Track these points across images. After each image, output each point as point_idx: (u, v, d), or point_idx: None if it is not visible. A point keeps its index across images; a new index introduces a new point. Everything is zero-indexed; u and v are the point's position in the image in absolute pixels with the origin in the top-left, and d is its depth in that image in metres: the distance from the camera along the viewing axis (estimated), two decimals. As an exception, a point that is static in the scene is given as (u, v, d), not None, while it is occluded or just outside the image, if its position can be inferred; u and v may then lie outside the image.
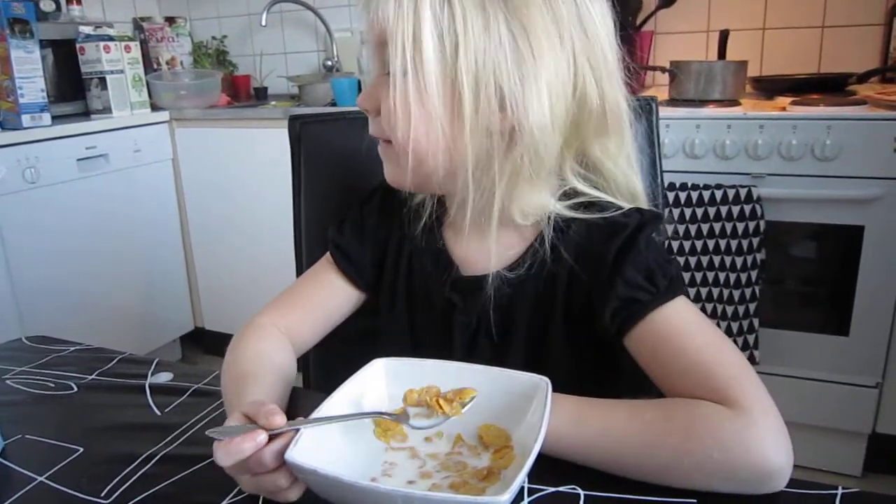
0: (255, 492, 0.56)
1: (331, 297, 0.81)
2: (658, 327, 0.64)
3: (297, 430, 0.54)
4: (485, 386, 0.60)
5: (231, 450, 0.52)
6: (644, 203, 0.74)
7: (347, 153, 1.00)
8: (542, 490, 0.55)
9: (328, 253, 0.82)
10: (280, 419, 0.54)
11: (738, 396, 0.56)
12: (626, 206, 0.70)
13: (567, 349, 0.73)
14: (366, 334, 0.82)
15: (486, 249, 0.72)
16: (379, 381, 0.63)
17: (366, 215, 0.82)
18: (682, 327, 0.63)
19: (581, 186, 0.71)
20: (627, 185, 0.73)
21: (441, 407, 0.57)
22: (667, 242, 1.66)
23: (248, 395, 0.63)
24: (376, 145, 0.73)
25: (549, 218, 0.69)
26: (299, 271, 1.03)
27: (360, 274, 0.81)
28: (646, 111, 0.97)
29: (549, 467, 0.56)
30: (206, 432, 0.54)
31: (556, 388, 0.60)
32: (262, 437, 0.52)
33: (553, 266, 0.70)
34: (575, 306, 0.71)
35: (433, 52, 0.62)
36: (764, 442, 0.53)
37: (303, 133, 1.02)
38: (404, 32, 0.61)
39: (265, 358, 0.71)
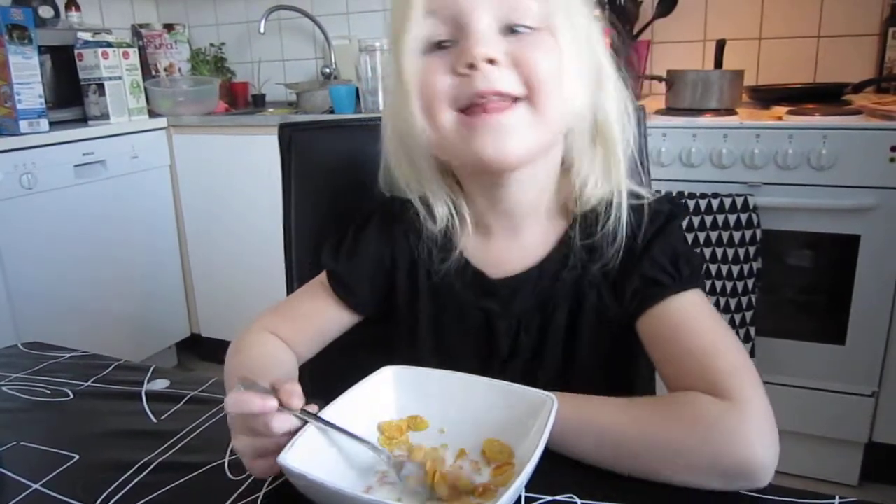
0: (245, 452, 0.57)
1: (327, 320, 0.79)
2: (671, 313, 0.66)
3: (305, 422, 0.55)
4: (490, 399, 0.60)
5: (241, 399, 0.54)
6: None
7: (338, 161, 1.00)
8: (540, 498, 0.55)
9: (324, 274, 0.79)
10: (298, 402, 0.55)
11: (735, 391, 0.57)
12: (651, 195, 0.72)
13: (596, 338, 0.73)
14: (369, 347, 0.81)
15: (516, 248, 0.74)
16: (387, 390, 0.63)
17: (361, 239, 0.78)
18: (693, 317, 0.65)
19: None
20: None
21: (433, 480, 0.55)
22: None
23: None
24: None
25: (615, 204, 0.71)
26: (289, 282, 1.02)
27: (359, 302, 0.78)
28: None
29: (547, 476, 0.55)
30: (236, 378, 0.57)
31: (586, 378, 0.65)
32: (273, 402, 0.54)
33: (586, 255, 0.71)
34: (605, 290, 0.71)
35: (584, 16, 0.67)
36: (755, 437, 0.54)
37: (293, 141, 1.01)
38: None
39: (274, 358, 0.72)
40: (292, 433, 0.55)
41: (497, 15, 0.63)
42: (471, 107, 0.63)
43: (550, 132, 0.67)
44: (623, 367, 0.75)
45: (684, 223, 1.61)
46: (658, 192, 0.74)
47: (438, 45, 0.65)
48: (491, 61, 0.62)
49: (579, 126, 0.69)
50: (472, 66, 0.62)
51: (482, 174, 0.70)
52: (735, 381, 0.58)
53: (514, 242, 0.74)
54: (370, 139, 0.90)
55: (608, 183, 0.71)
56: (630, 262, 0.69)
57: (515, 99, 0.63)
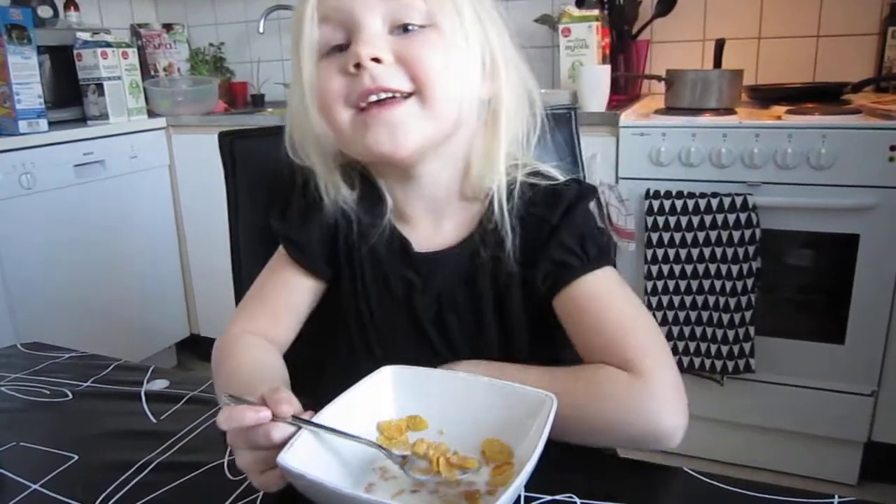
0: (251, 468, 0.56)
1: (293, 292, 0.79)
2: (582, 293, 0.69)
3: (299, 427, 0.54)
4: (490, 399, 0.60)
5: (233, 415, 0.54)
6: None
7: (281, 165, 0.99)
8: (539, 498, 0.55)
9: (280, 247, 0.80)
10: (287, 408, 0.55)
11: (640, 363, 0.62)
12: (564, 177, 0.76)
13: (527, 318, 0.75)
14: (325, 333, 0.80)
15: (438, 230, 0.77)
16: (387, 389, 0.63)
17: (309, 201, 0.79)
18: (602, 295, 0.69)
19: (524, 159, 0.77)
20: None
21: (438, 467, 0.55)
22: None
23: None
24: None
25: (496, 188, 0.74)
26: (238, 296, 0.97)
27: (312, 260, 0.78)
28: (564, 120, 1.02)
29: (546, 476, 0.55)
30: (223, 395, 0.56)
31: (518, 356, 0.70)
32: (266, 413, 0.54)
33: (504, 235, 0.73)
34: (524, 271, 0.74)
35: (469, 10, 0.69)
36: (657, 405, 0.61)
37: (235, 149, 0.98)
38: None
39: (259, 364, 0.71)
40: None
41: (386, 16, 0.67)
42: (367, 105, 0.67)
43: (442, 123, 0.69)
44: (560, 344, 0.76)
45: (683, 221, 1.63)
46: (574, 177, 0.78)
47: (335, 49, 0.69)
48: (377, 60, 0.66)
49: (471, 116, 0.72)
50: (358, 66, 0.66)
51: (390, 167, 0.73)
52: (640, 355, 0.63)
53: (436, 226, 0.77)
54: None
55: (492, 169, 0.74)
56: (539, 241, 0.72)
57: (407, 95, 0.67)
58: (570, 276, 0.70)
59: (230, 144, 0.99)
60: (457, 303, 0.76)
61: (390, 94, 0.67)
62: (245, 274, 1.00)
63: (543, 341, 0.76)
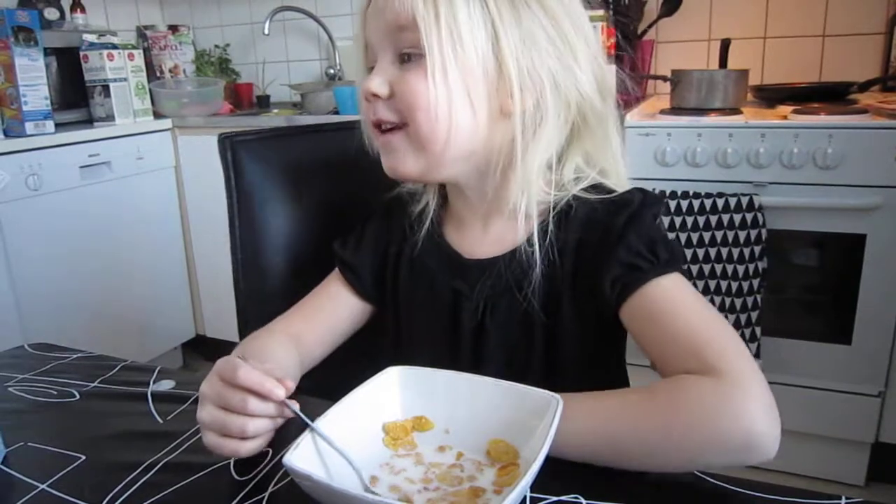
0: (213, 428, 0.58)
1: (336, 307, 0.83)
2: (654, 297, 0.65)
3: (307, 426, 0.55)
4: (496, 400, 0.60)
5: (243, 371, 0.56)
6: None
7: (289, 170, 0.99)
8: (545, 499, 0.55)
9: (337, 268, 0.84)
10: (280, 392, 0.57)
11: (725, 368, 0.57)
12: (623, 189, 0.74)
13: (577, 333, 0.73)
14: (371, 353, 0.81)
15: (488, 238, 0.76)
16: (393, 390, 0.63)
17: (366, 229, 0.85)
18: (677, 300, 0.65)
19: (581, 171, 0.74)
20: (617, 173, 0.76)
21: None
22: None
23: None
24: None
25: (525, 200, 0.72)
26: (238, 301, 0.98)
27: (361, 282, 0.82)
28: None
29: (552, 476, 0.55)
30: (237, 355, 0.59)
31: (567, 372, 0.67)
32: (280, 391, 0.56)
33: (560, 246, 0.72)
34: (581, 283, 0.72)
35: (469, 32, 0.64)
36: (750, 408, 0.54)
37: (236, 153, 0.97)
38: (437, 13, 0.64)
39: (268, 351, 0.73)
40: (265, 426, 0.57)
41: (393, 46, 0.68)
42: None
43: (432, 158, 0.69)
44: (602, 362, 0.76)
45: (689, 221, 1.63)
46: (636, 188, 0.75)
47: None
48: (374, 96, 0.69)
49: (482, 140, 0.69)
50: (367, 98, 0.70)
51: None
52: (726, 358, 0.58)
53: (485, 233, 0.77)
54: (313, 146, 0.93)
55: (527, 182, 0.70)
56: (605, 247, 0.69)
57: (403, 125, 0.69)
58: (640, 279, 0.66)
59: (230, 148, 0.98)
60: (498, 309, 0.75)
61: (388, 126, 0.70)
62: (245, 277, 0.99)
63: (591, 357, 0.74)
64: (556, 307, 0.73)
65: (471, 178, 0.74)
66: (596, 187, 0.73)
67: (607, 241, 0.69)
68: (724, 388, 0.55)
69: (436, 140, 0.67)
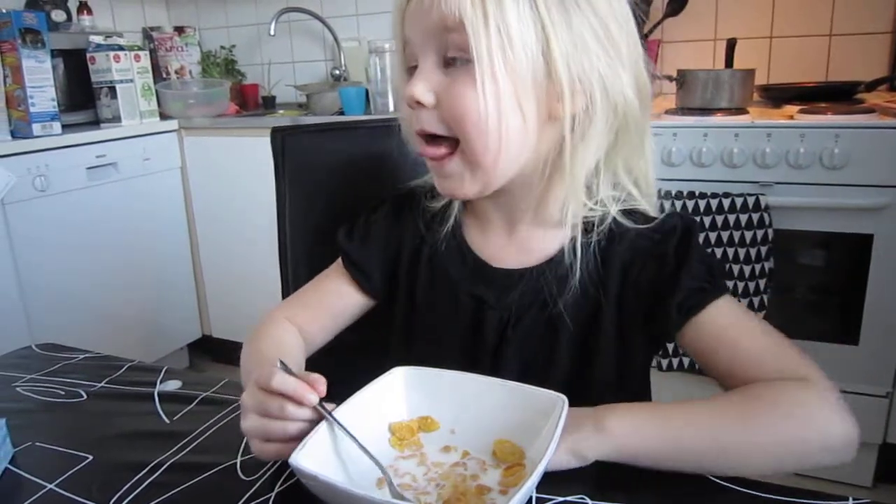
0: (256, 435, 0.58)
1: (339, 298, 0.82)
2: (719, 317, 0.66)
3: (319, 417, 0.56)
4: (502, 400, 0.60)
5: (278, 379, 0.56)
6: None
7: (332, 164, 1.00)
8: (551, 499, 0.55)
9: (340, 259, 0.83)
10: (313, 398, 0.56)
11: (808, 373, 0.60)
12: (656, 213, 0.73)
13: (615, 351, 0.73)
14: (374, 345, 0.81)
15: (513, 245, 0.74)
16: (399, 390, 0.63)
17: (373, 223, 0.82)
18: (739, 316, 0.67)
19: (615, 192, 0.72)
20: (647, 180, 0.74)
21: None
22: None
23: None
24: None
25: (598, 219, 0.71)
26: (284, 288, 1.02)
27: (368, 279, 0.81)
28: None
29: (558, 476, 0.55)
30: (278, 360, 0.59)
31: (601, 389, 0.67)
32: (314, 397, 0.56)
33: (605, 265, 0.71)
34: (630, 305, 0.71)
35: (518, 34, 0.60)
36: (827, 409, 0.58)
37: (286, 145, 1.00)
38: (485, 14, 0.59)
39: (286, 346, 0.75)
40: (305, 427, 0.56)
41: (438, 49, 0.63)
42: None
43: (492, 175, 0.66)
44: (631, 378, 0.75)
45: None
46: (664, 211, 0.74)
47: (413, 69, 0.66)
48: (418, 103, 0.64)
49: (533, 144, 0.66)
50: (409, 105, 0.65)
51: None
52: (803, 365, 0.61)
53: (511, 240, 0.75)
54: (359, 141, 0.90)
55: (572, 193, 0.68)
56: (664, 275, 0.69)
57: (455, 145, 0.65)
58: (704, 301, 0.66)
59: (280, 141, 1.00)
60: (523, 321, 0.73)
61: (432, 138, 0.66)
62: (292, 272, 1.02)
63: (621, 374, 0.73)
64: (592, 323, 0.72)
65: (515, 185, 0.69)
66: (632, 212, 0.72)
67: (665, 269, 0.69)
68: (818, 392, 0.59)
69: (487, 152, 0.63)
